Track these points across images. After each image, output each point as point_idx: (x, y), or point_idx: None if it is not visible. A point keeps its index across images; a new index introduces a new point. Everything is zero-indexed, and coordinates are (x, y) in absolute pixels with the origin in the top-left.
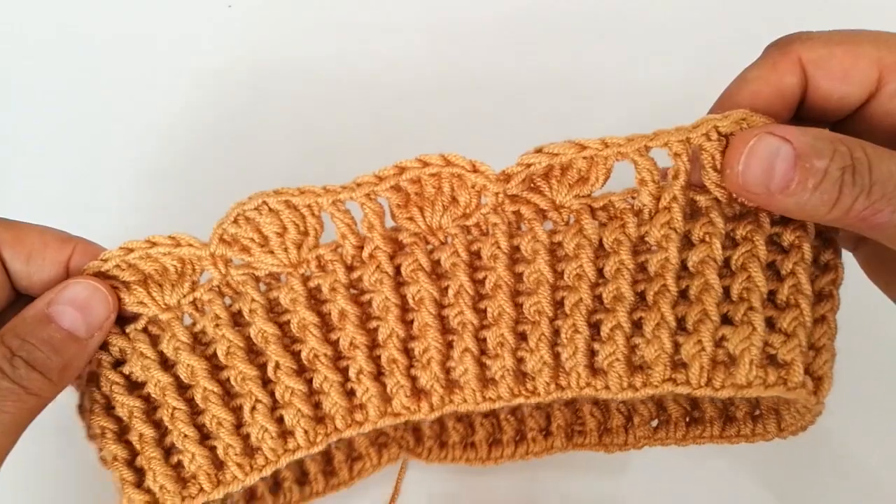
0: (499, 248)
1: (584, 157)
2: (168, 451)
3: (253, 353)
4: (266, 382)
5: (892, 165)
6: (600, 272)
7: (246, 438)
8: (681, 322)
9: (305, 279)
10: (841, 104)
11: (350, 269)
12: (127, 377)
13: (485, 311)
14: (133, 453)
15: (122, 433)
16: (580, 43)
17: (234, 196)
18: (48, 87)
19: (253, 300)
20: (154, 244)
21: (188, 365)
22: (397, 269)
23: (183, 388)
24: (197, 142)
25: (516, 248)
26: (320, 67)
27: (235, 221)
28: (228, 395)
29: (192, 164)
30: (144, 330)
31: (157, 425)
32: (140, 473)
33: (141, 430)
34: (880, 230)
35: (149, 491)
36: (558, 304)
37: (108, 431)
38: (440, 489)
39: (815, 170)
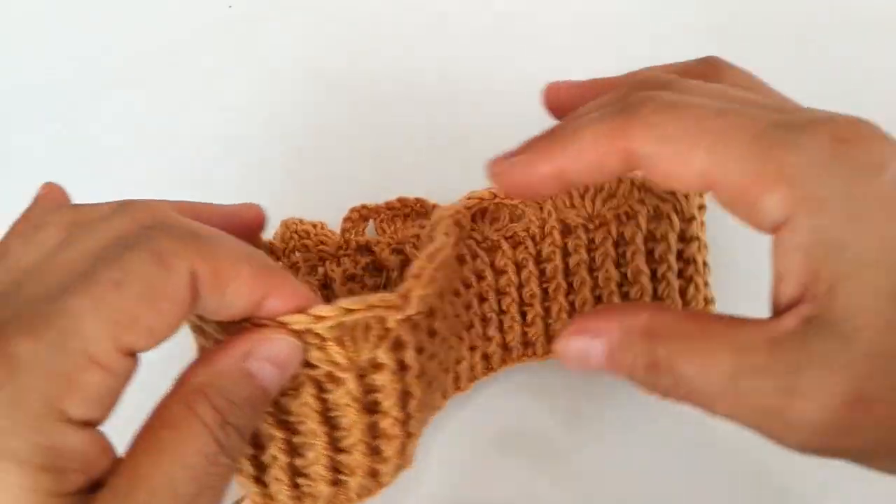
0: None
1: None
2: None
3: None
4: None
5: (695, 365)
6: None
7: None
8: None
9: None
10: (680, 189)
11: None
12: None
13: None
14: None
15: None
16: (582, 44)
17: (233, 196)
18: (46, 87)
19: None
20: (373, 306)
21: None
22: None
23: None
24: (196, 141)
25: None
26: (320, 67)
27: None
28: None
29: (191, 165)
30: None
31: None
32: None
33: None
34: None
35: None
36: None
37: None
38: (437, 490)
39: (626, 366)
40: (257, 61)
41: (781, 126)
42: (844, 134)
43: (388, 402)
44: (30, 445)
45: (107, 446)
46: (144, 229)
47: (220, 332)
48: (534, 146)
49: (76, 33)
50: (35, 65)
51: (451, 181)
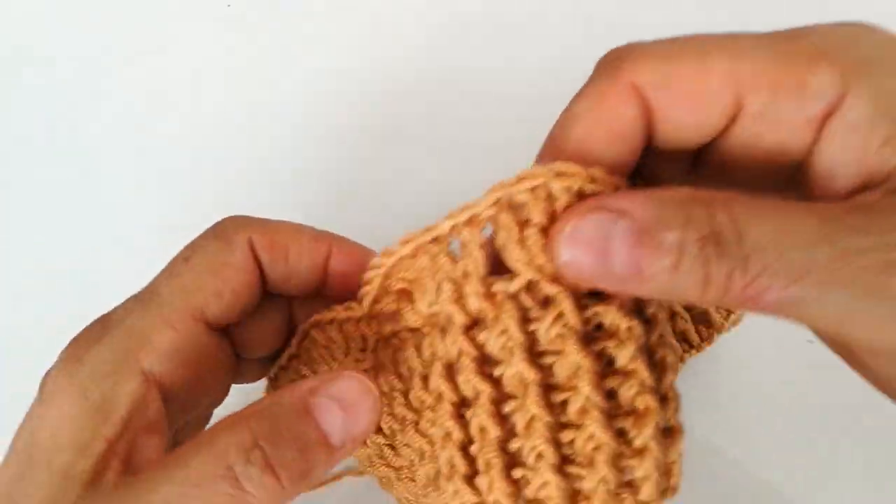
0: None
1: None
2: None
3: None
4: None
5: (770, 225)
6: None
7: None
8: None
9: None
10: (699, 133)
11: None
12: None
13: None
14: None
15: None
16: (585, 43)
17: (242, 195)
18: (40, 90)
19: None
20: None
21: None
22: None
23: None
24: (191, 141)
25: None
26: (320, 68)
27: None
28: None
29: (188, 164)
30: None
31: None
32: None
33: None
34: (777, 311)
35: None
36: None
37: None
38: None
39: (667, 246)
40: (256, 60)
41: (789, 33)
42: (849, 25)
43: (625, 351)
44: (100, 390)
45: (158, 409)
46: (216, 223)
47: None
48: (546, 142)
49: (75, 32)
50: (35, 63)
51: (453, 179)
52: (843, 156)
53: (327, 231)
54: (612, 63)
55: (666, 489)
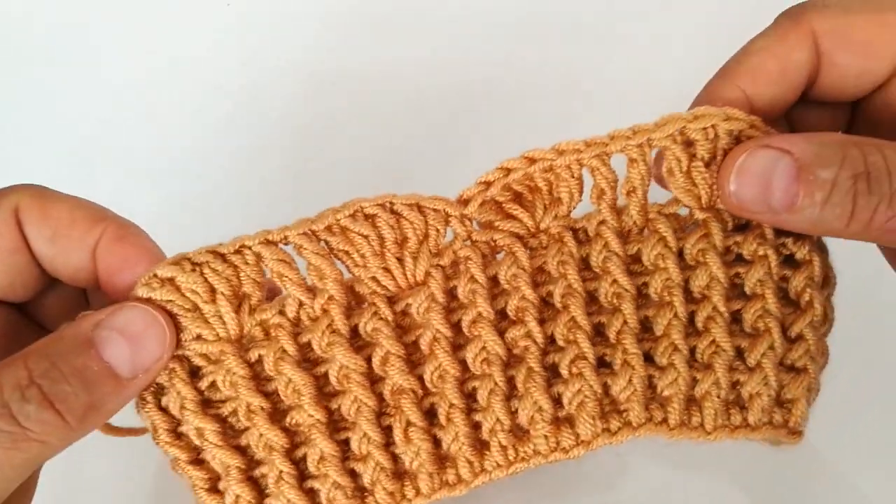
0: (475, 281)
1: (545, 172)
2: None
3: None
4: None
5: None
6: (591, 296)
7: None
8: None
9: (242, 353)
10: (860, 81)
11: (297, 331)
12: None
13: (463, 359)
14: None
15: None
16: (587, 42)
17: (234, 195)
18: (40, 81)
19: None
20: (222, 256)
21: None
22: (354, 329)
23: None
24: (194, 141)
25: (493, 280)
26: (319, 67)
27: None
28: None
29: (184, 164)
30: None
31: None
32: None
33: (224, 459)
34: None
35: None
36: (549, 339)
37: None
38: None
39: (822, 181)
40: (255, 58)
41: None
42: None
43: (754, 275)
44: None
45: None
46: None
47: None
48: (722, 68)
49: (75, 31)
50: (34, 60)
51: (452, 178)
52: None
53: (116, 215)
54: (796, 10)
55: (785, 427)
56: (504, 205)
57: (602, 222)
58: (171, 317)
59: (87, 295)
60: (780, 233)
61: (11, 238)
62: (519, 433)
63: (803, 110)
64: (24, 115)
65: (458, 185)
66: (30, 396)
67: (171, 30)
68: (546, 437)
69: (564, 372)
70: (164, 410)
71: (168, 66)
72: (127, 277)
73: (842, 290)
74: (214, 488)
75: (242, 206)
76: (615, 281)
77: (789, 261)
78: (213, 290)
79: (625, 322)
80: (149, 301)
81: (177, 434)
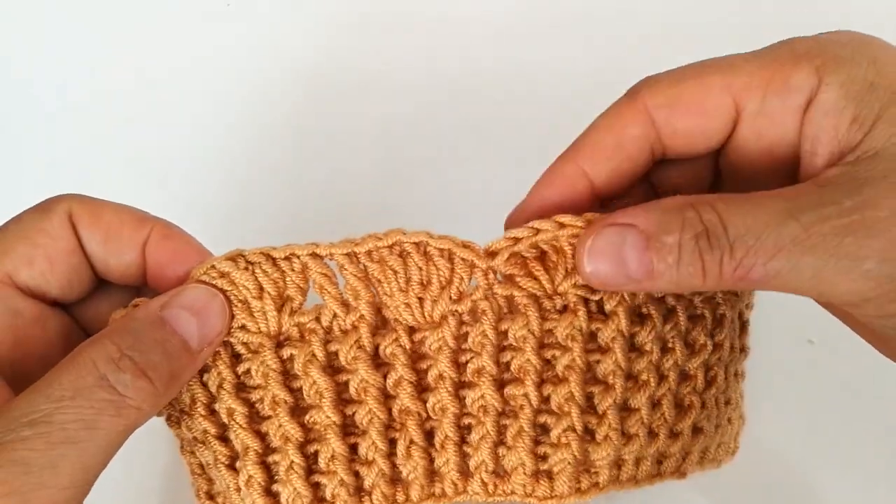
0: (486, 337)
1: (572, 238)
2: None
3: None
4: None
5: (749, 217)
6: (589, 367)
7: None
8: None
9: (277, 348)
10: (707, 138)
11: (328, 339)
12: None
13: (463, 399)
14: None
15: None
16: (588, 43)
17: (234, 195)
18: (43, 82)
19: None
20: (273, 259)
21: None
22: (376, 347)
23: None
24: (194, 141)
25: (504, 334)
26: (319, 68)
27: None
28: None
29: (184, 164)
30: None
31: (261, 437)
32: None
33: (247, 441)
34: (765, 284)
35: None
36: (543, 399)
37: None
38: None
39: (669, 246)
40: (255, 58)
41: (774, 45)
42: (832, 32)
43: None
44: None
45: None
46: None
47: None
48: (555, 162)
49: (74, 32)
50: (34, 60)
51: (452, 177)
52: (820, 137)
53: (155, 216)
54: (633, 89)
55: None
56: (529, 262)
57: (620, 303)
58: (226, 299)
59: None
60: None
61: (69, 240)
62: (501, 473)
63: (666, 170)
64: (23, 115)
65: (458, 185)
66: (124, 367)
67: (171, 30)
68: (524, 485)
69: (553, 437)
70: (204, 386)
71: (168, 66)
72: (179, 270)
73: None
74: (232, 465)
75: (242, 206)
76: (616, 361)
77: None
78: (261, 289)
79: (614, 401)
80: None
81: (210, 410)
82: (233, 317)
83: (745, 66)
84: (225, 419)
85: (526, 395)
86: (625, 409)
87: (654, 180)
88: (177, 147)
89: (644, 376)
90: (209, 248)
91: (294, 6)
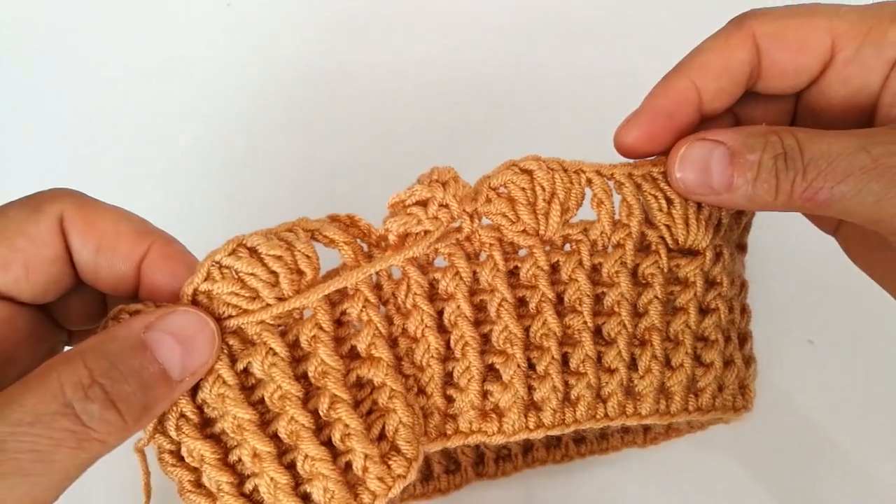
0: (463, 276)
1: (564, 181)
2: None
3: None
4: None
5: (824, 144)
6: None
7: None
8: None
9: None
10: (798, 75)
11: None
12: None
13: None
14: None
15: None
16: (587, 43)
17: (235, 196)
18: (42, 80)
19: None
20: (257, 256)
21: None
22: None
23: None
24: (194, 142)
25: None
26: (319, 68)
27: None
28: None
29: (186, 164)
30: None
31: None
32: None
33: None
34: (828, 207)
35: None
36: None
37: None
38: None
39: (750, 163)
40: (255, 59)
41: (877, 3)
42: None
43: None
44: None
45: None
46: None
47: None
48: (664, 77)
49: (74, 32)
50: (34, 61)
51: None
52: None
53: (159, 229)
54: (739, 18)
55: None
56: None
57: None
58: (218, 321)
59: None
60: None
61: (54, 248)
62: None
63: (752, 105)
64: (23, 116)
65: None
66: (93, 395)
67: (171, 31)
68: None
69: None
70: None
71: (168, 67)
72: (176, 287)
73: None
74: (241, 486)
75: (242, 206)
76: (696, 294)
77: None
78: (276, 276)
79: (684, 330)
80: (195, 304)
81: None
82: (221, 349)
83: (848, 15)
84: (232, 434)
85: (507, 328)
86: (669, 341)
87: (738, 113)
88: (176, 146)
89: (614, 307)
90: (206, 246)
91: (294, 7)
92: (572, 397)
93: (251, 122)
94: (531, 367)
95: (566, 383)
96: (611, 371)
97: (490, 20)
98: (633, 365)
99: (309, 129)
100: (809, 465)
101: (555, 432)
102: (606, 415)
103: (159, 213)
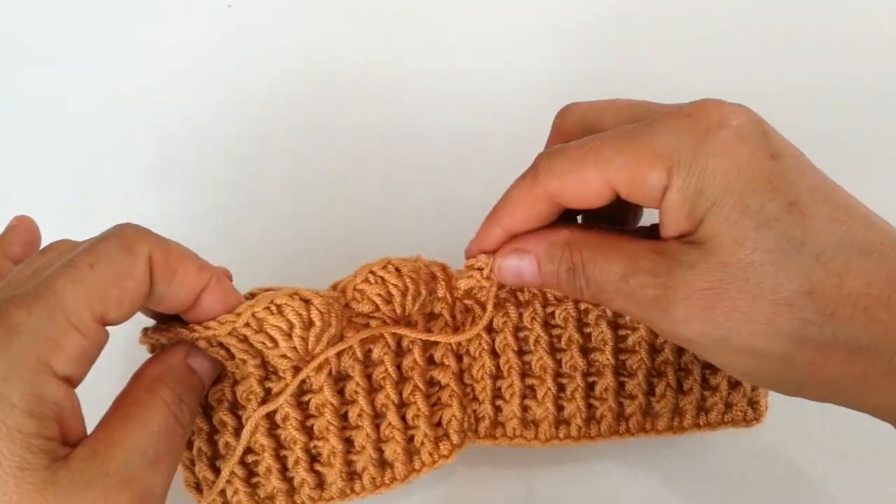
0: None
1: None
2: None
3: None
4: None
5: (597, 269)
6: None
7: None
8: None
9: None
10: (599, 204)
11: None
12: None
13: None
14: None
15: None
16: (594, 48)
17: (236, 197)
18: (43, 80)
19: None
20: (278, 307)
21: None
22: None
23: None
24: (194, 142)
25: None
26: (321, 70)
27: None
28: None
29: (186, 165)
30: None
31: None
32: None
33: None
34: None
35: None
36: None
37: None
38: (432, 498)
39: (552, 272)
40: (256, 60)
41: (640, 126)
42: (690, 110)
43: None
44: (22, 394)
45: (78, 408)
46: (114, 227)
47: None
48: (485, 221)
49: (75, 33)
50: (34, 61)
51: (452, 177)
52: (668, 222)
53: (210, 264)
54: (533, 171)
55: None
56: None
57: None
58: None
59: None
60: None
61: (147, 286)
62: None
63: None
64: (23, 117)
65: (457, 186)
66: (184, 410)
67: (172, 32)
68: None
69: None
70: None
71: (168, 68)
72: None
73: None
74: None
75: (242, 206)
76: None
77: None
78: (310, 321)
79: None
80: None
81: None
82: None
83: (615, 160)
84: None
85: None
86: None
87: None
88: (177, 148)
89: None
90: (207, 248)
91: (295, 8)
92: (597, 416)
93: (252, 123)
94: (561, 389)
95: (590, 406)
96: (631, 397)
97: (493, 22)
98: (650, 391)
99: (310, 130)
100: (811, 465)
101: (582, 444)
102: (628, 430)
103: (159, 213)
